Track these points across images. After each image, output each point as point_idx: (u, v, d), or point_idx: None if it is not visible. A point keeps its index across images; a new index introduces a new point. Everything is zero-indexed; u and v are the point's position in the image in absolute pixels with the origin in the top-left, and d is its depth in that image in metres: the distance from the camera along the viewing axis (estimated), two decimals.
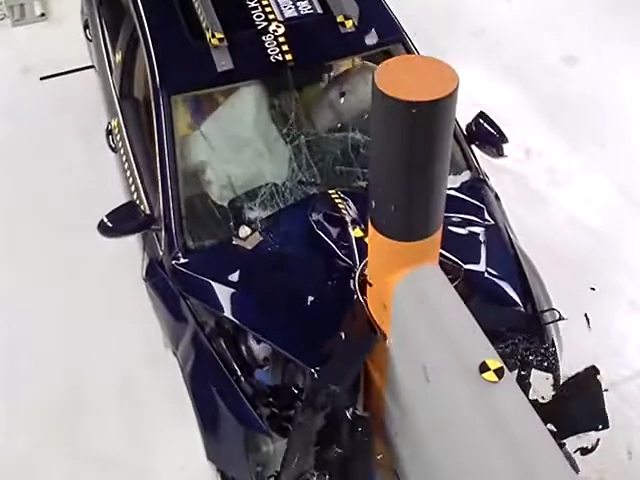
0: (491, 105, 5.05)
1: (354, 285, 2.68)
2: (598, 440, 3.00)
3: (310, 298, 2.76)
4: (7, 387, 3.68)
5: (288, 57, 3.19)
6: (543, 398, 2.92)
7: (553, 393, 2.92)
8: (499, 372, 2.08)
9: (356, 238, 2.81)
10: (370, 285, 2.53)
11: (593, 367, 2.86)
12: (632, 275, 4.05)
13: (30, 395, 3.63)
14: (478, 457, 2.12)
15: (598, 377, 2.83)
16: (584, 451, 2.97)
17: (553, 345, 2.94)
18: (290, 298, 2.79)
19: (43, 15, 6.05)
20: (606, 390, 2.93)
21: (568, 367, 3.61)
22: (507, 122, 4.98)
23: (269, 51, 3.19)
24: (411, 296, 2.35)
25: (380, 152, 2.14)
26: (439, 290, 2.38)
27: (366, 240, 2.72)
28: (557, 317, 2.97)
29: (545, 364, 2.93)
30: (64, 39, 5.43)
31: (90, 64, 4.73)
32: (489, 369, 2.09)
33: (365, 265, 2.67)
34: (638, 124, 4.96)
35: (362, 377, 2.70)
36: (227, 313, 2.82)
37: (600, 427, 2.79)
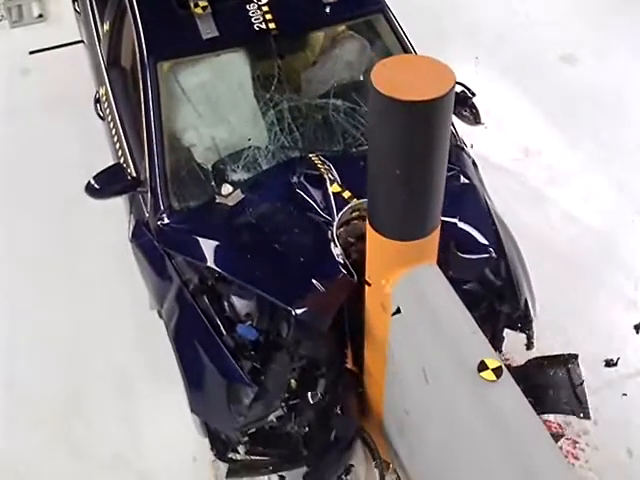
0: (489, 104, 5.07)
1: (332, 235, 2.77)
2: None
3: (290, 248, 2.84)
4: (7, 387, 3.68)
5: (271, 26, 3.29)
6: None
7: (528, 360, 2.99)
8: (497, 371, 2.09)
9: (334, 193, 2.90)
10: (369, 285, 2.53)
11: (574, 355, 2.92)
12: (631, 274, 4.05)
13: (30, 395, 3.63)
14: (477, 455, 2.12)
15: (577, 365, 2.89)
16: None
17: (526, 305, 3.00)
18: (271, 248, 2.87)
19: (41, 16, 6.06)
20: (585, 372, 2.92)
21: None
22: (506, 121, 5.01)
23: (253, 20, 3.30)
24: (410, 296, 2.36)
25: (378, 151, 2.14)
26: (437, 289, 2.38)
27: (343, 195, 2.88)
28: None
29: (519, 323, 3.01)
30: (62, 40, 5.44)
31: (79, 39, 4.79)
32: (487, 368, 2.09)
33: (343, 215, 2.79)
34: (637, 123, 4.95)
35: (348, 333, 2.81)
36: (210, 263, 2.89)
37: (582, 416, 2.81)
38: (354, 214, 2.83)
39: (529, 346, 3.05)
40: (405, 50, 3.49)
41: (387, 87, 1.93)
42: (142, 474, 3.33)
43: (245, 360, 2.77)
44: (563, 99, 5.09)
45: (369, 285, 2.53)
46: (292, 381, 2.78)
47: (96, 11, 4.17)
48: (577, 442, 3.38)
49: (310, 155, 3.11)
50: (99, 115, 3.99)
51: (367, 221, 2.34)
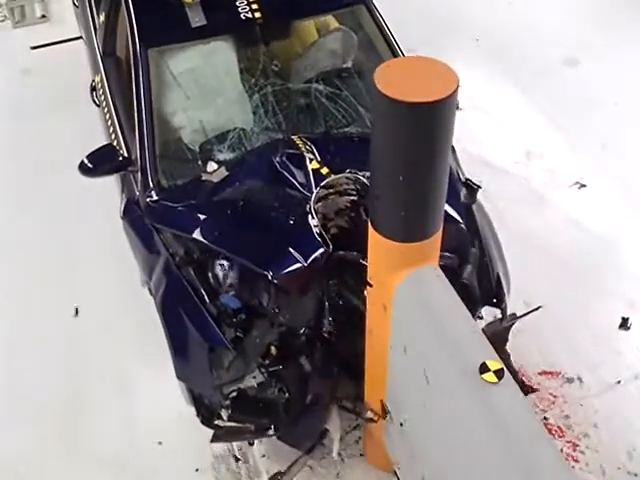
0: (491, 107, 5.08)
1: (310, 208, 2.87)
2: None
3: (270, 221, 2.99)
4: (7, 387, 3.68)
5: (257, 15, 3.49)
6: None
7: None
8: (499, 373, 2.08)
9: (313, 170, 3.05)
10: (370, 286, 2.53)
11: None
12: (632, 276, 4.04)
13: (30, 395, 3.62)
14: (478, 457, 2.12)
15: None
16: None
17: (499, 280, 3.13)
18: (252, 221, 3.02)
19: (44, 17, 6.07)
20: None
21: (569, 369, 3.64)
22: (507, 124, 5.01)
23: (239, 9, 3.48)
24: (411, 297, 2.36)
25: (380, 153, 2.14)
26: (439, 291, 2.38)
27: (322, 171, 3.03)
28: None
29: (493, 299, 3.12)
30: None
31: (79, 35, 4.90)
32: (489, 370, 2.09)
33: (320, 190, 2.90)
34: (638, 125, 4.95)
35: (326, 300, 2.94)
36: (196, 235, 3.03)
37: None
38: (331, 189, 2.95)
39: (502, 321, 3.15)
40: (386, 40, 3.62)
41: (390, 89, 1.93)
42: (142, 473, 3.33)
43: (227, 327, 2.90)
44: (565, 101, 5.09)
45: (371, 286, 2.53)
46: (272, 348, 2.90)
47: (93, 3, 4.37)
48: (577, 445, 3.37)
49: (293, 136, 3.24)
50: (94, 102, 4.19)
51: (370, 222, 2.34)
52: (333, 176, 2.94)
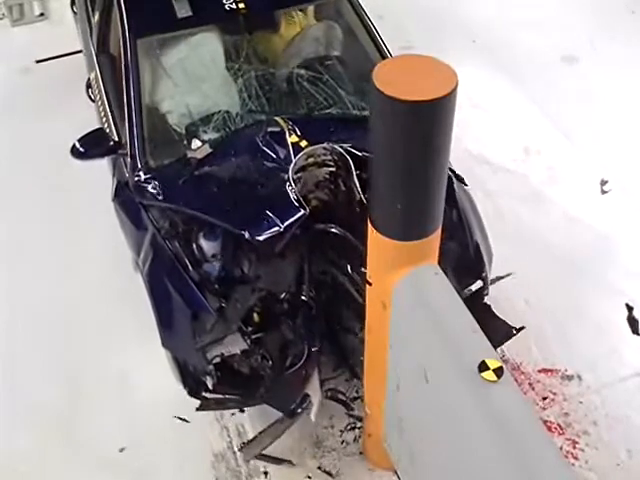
0: (490, 105, 5.08)
1: (288, 177, 2.99)
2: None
3: (250, 190, 3.13)
4: (7, 387, 3.68)
5: (241, 6, 3.65)
6: None
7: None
8: (498, 371, 2.08)
9: (292, 143, 3.19)
10: (370, 284, 2.53)
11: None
12: (631, 273, 4.05)
13: (30, 395, 3.63)
14: (477, 456, 2.12)
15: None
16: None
17: (478, 248, 3.21)
18: (232, 191, 3.16)
19: (42, 15, 6.07)
20: None
21: (569, 366, 3.64)
22: (506, 121, 5.02)
23: (224, 0, 3.65)
24: (411, 296, 2.36)
25: (380, 151, 2.14)
26: (438, 289, 2.38)
27: (301, 144, 3.17)
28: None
29: (474, 270, 3.19)
30: (63, 38, 5.45)
31: (80, 49, 4.90)
32: (488, 368, 2.09)
33: (299, 160, 3.04)
34: (636, 122, 4.96)
35: (306, 267, 3.06)
36: (178, 205, 3.17)
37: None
38: (309, 160, 3.08)
39: (483, 292, 3.21)
40: (367, 29, 3.74)
41: (388, 87, 1.93)
42: (142, 473, 3.33)
43: (211, 295, 2.98)
44: (563, 99, 5.09)
45: (370, 285, 2.53)
46: (255, 315, 3.01)
47: (89, 7, 4.53)
48: (577, 442, 3.38)
49: (275, 117, 3.38)
50: (90, 98, 4.36)
51: (369, 221, 2.34)
52: (310, 147, 3.07)
